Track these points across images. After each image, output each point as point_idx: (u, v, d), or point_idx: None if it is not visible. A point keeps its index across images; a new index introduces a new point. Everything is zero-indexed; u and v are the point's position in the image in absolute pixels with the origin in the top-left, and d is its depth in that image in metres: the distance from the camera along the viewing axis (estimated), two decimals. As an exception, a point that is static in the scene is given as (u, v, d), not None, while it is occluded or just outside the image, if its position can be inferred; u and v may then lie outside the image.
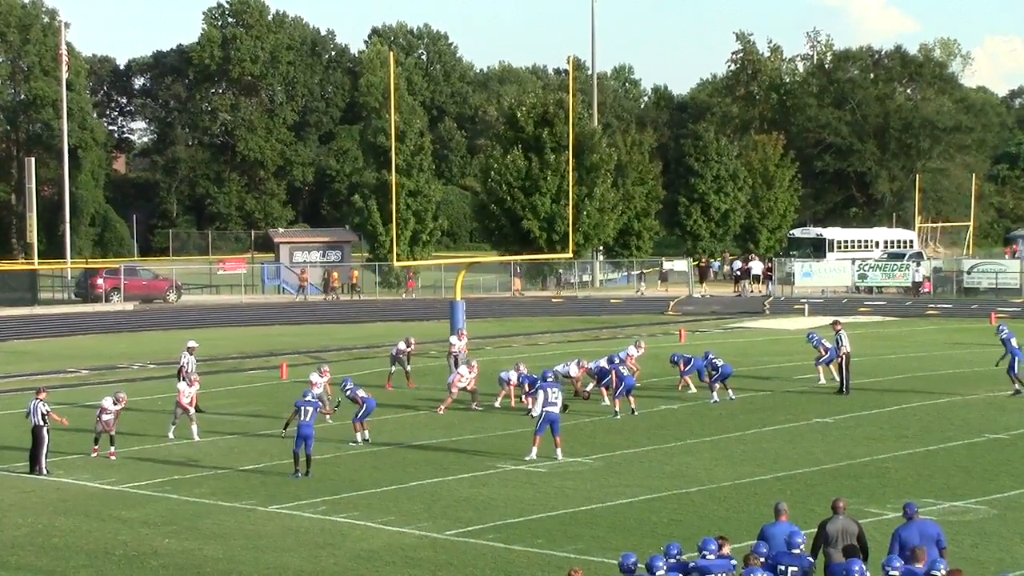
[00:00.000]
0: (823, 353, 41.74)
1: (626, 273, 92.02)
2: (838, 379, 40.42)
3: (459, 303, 48.52)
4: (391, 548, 23.37)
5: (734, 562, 17.99)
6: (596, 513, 25.64)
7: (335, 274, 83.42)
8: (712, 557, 17.86)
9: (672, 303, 73.64)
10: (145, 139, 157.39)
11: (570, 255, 65.34)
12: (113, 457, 31.20)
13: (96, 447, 31.68)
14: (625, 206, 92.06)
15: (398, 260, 69.62)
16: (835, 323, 42.33)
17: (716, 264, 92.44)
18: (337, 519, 25.33)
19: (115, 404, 31.63)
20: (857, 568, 17.50)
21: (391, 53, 67.23)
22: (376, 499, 26.92)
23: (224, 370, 48.06)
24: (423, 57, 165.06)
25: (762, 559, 18.06)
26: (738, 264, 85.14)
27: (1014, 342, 39.60)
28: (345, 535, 24.26)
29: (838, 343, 40.34)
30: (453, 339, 43.14)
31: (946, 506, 25.36)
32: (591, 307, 73.07)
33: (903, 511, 19.51)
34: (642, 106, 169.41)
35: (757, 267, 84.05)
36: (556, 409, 30.61)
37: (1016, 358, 39.24)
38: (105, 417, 31.38)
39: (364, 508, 26.09)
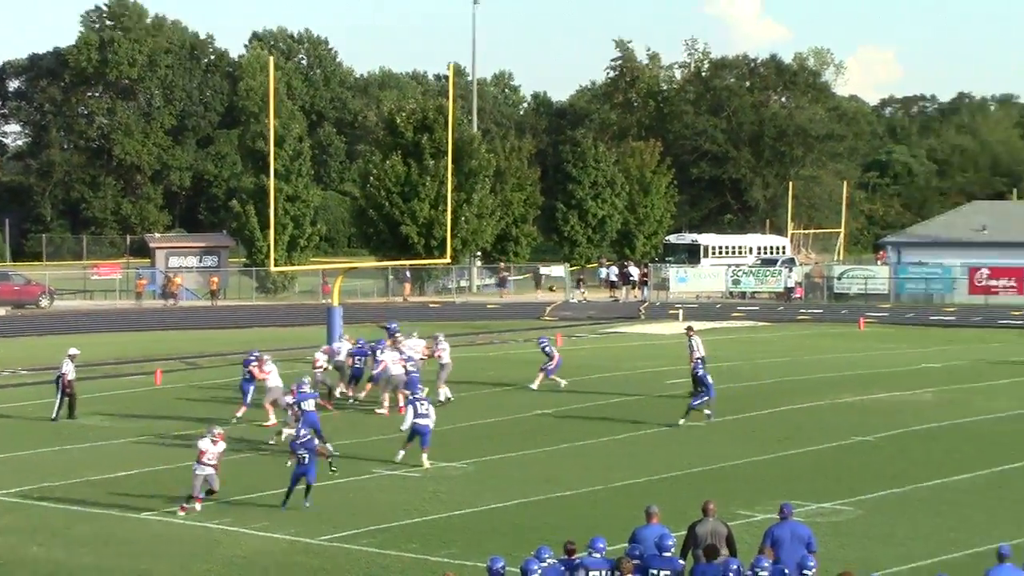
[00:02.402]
0: (549, 359, 42.16)
1: (508, 276, 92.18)
2: (561, 382, 41.51)
3: (336, 309, 48.43)
4: (264, 554, 23.38)
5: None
6: (469, 517, 25.83)
7: (214, 279, 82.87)
8: (598, 556, 18.20)
9: (549, 308, 74.02)
10: (19, 142, 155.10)
11: (448, 260, 65.45)
12: None
13: None
14: (503, 212, 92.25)
15: (276, 265, 69.35)
16: (688, 329, 42.88)
17: (603, 270, 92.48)
18: (210, 525, 25.28)
19: None
20: (735, 567, 17.85)
21: (271, 58, 66.86)
22: (250, 505, 26.88)
23: (99, 376, 47.57)
24: (303, 62, 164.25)
25: (634, 561, 18.34)
26: (615, 269, 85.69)
27: (551, 350, 41.59)
28: (218, 541, 24.22)
29: (690, 349, 40.86)
30: (319, 354, 40.71)
31: (814, 508, 25.83)
32: (468, 312, 73.26)
33: (779, 510, 19.94)
34: (521, 112, 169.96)
35: (634, 272, 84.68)
36: (425, 422, 30.77)
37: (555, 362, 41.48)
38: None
39: (237, 514, 26.04)
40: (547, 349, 42.42)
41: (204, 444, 26.43)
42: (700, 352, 40.49)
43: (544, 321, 68.05)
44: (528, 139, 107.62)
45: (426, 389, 36.65)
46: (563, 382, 41.94)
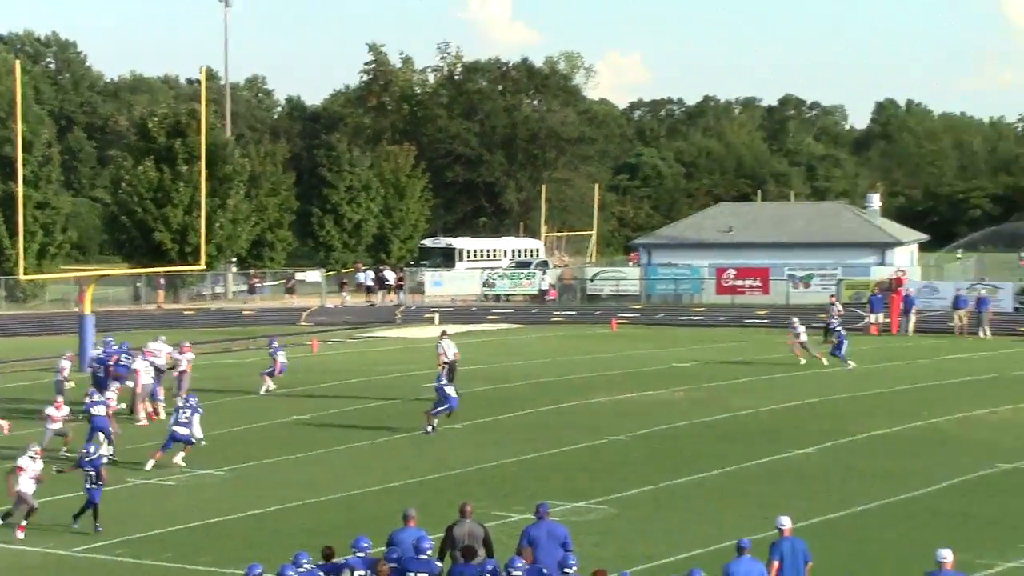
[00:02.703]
0: (275, 365, 42.63)
1: (260, 284, 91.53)
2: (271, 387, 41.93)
3: (89, 317, 47.72)
4: (15, 568, 22.97)
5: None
6: (227, 525, 25.76)
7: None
8: (362, 555, 18.45)
9: (305, 313, 73.78)
10: None
11: (202, 267, 64.75)
12: None
13: None
14: (258, 217, 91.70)
15: (25, 274, 67.78)
16: (443, 333, 43.34)
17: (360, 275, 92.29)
18: (-38, 541, 24.76)
19: None
20: (491, 568, 18.18)
21: (17, 61, 65.36)
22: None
23: None
24: (51, 65, 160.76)
25: (391, 564, 18.57)
26: (370, 274, 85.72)
27: (282, 356, 42.43)
28: (-32, 557, 23.76)
29: (439, 351, 41.29)
30: (64, 362, 39.51)
31: (569, 507, 26.33)
32: (224, 319, 72.61)
33: (535, 510, 20.33)
34: (275, 117, 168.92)
35: (389, 277, 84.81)
36: (184, 430, 30.91)
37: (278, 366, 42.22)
38: None
39: (-9, 529, 25.56)
40: (274, 353, 42.66)
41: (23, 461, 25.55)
42: (448, 357, 40.93)
43: (300, 327, 67.83)
44: (283, 143, 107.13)
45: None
46: (273, 386, 42.33)
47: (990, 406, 38.76)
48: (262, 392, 41.99)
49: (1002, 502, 26.76)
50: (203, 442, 31.92)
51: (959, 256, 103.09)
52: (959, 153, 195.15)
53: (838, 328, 49.57)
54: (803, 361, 48.74)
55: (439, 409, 35.36)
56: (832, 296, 60.68)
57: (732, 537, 19.66)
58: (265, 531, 25.22)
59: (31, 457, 25.68)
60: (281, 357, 42.80)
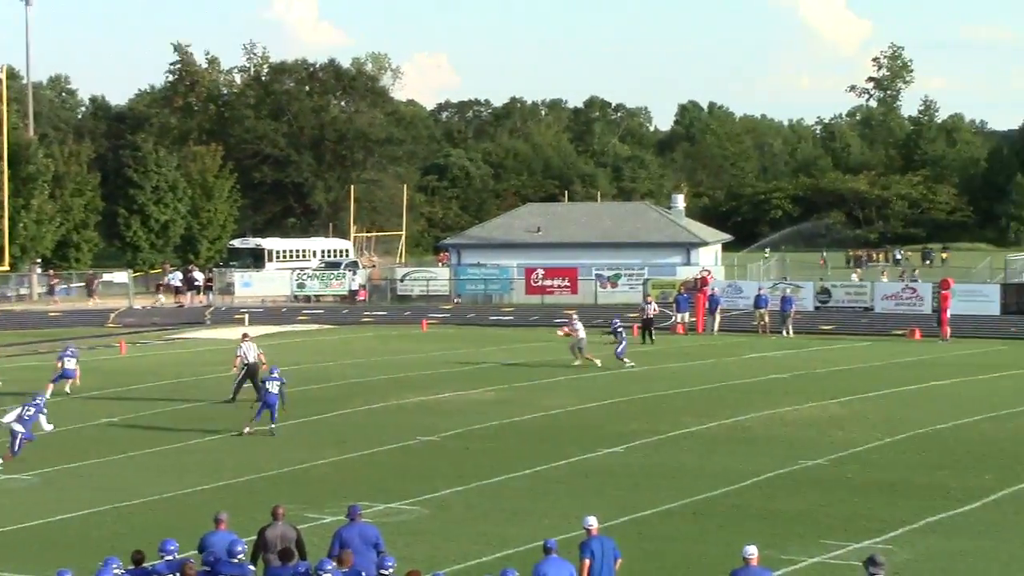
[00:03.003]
0: (58, 368, 42.53)
1: (66, 286, 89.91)
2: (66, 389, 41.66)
3: None
4: None
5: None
6: (34, 530, 25.36)
7: None
8: (170, 558, 18.37)
9: (113, 315, 72.77)
10: None
11: (6, 268, 63.57)
12: None
13: None
14: (64, 217, 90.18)
15: None
16: (244, 336, 43.12)
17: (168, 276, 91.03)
18: None
19: None
20: (303, 570, 18.23)
21: None
22: None
23: None
24: None
25: (205, 567, 18.54)
26: (179, 275, 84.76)
27: (70, 362, 42.26)
28: None
29: (238, 353, 41.14)
30: None
31: (381, 508, 26.41)
32: (29, 321, 71.30)
33: (347, 512, 20.42)
34: (79, 116, 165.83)
35: (198, 277, 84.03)
36: (21, 427, 31.19)
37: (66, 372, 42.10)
38: None
39: None
40: (63, 357, 42.31)
41: None
42: (249, 359, 40.75)
43: (108, 328, 66.89)
44: (87, 144, 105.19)
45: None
46: (67, 390, 42.07)
47: (793, 404, 39.68)
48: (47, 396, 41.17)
49: (805, 498, 27.46)
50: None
51: (766, 256, 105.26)
52: (760, 155, 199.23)
53: (620, 328, 49.93)
54: (577, 363, 48.95)
55: (261, 410, 35.33)
56: (648, 296, 61.37)
57: (544, 537, 19.94)
58: (74, 536, 24.93)
59: None
60: (69, 363, 42.24)
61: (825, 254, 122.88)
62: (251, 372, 40.39)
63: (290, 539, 19.79)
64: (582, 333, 49.30)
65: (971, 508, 26.42)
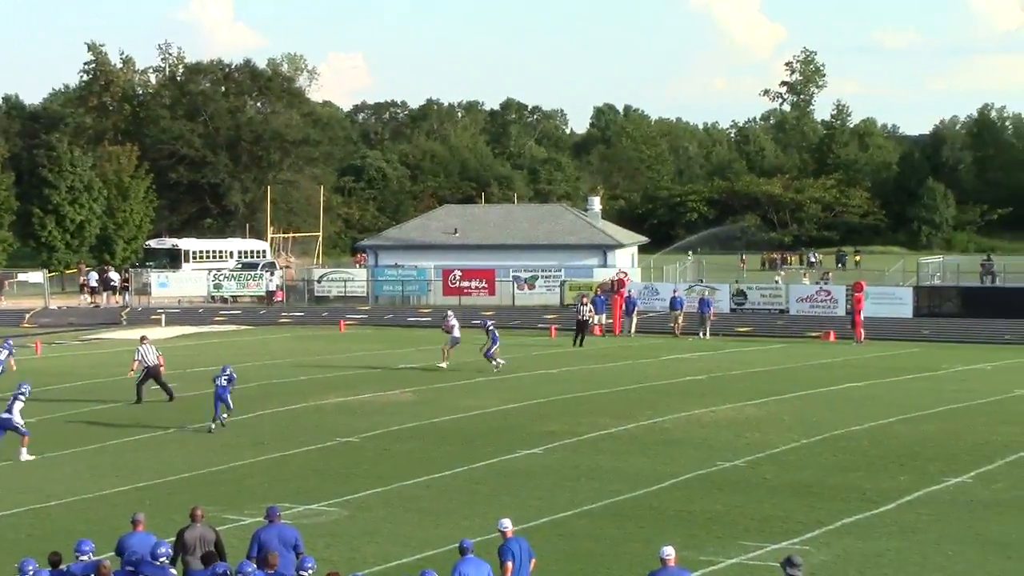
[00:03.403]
0: None
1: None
2: None
3: None
4: None
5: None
6: (-48, 534, 25.19)
7: None
8: (86, 559, 18.30)
9: (28, 315, 72.17)
10: None
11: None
12: None
13: None
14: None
15: None
16: (142, 338, 42.97)
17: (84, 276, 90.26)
18: None
19: None
20: (221, 571, 18.18)
21: None
22: None
23: None
24: None
25: (130, 568, 18.46)
26: (95, 275, 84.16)
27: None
28: None
29: (137, 356, 41.11)
30: None
31: (301, 509, 26.40)
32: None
33: (266, 514, 20.39)
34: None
35: (114, 278, 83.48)
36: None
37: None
38: None
39: None
40: None
41: None
42: (149, 362, 40.69)
43: (24, 328, 66.34)
44: (1, 143, 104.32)
45: None
46: None
47: (709, 405, 39.95)
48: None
49: (723, 499, 27.66)
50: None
51: (691, 257, 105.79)
52: (676, 158, 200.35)
53: (492, 328, 49.14)
54: (443, 365, 48.81)
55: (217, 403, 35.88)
56: (584, 297, 61.42)
57: (463, 538, 20.00)
58: (-10, 539, 24.74)
59: None
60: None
61: (745, 256, 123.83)
62: (152, 374, 40.61)
63: (209, 540, 19.75)
64: (457, 332, 49.29)
65: (886, 509, 26.71)
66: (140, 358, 40.95)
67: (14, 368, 44.24)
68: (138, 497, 27.58)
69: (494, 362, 48.24)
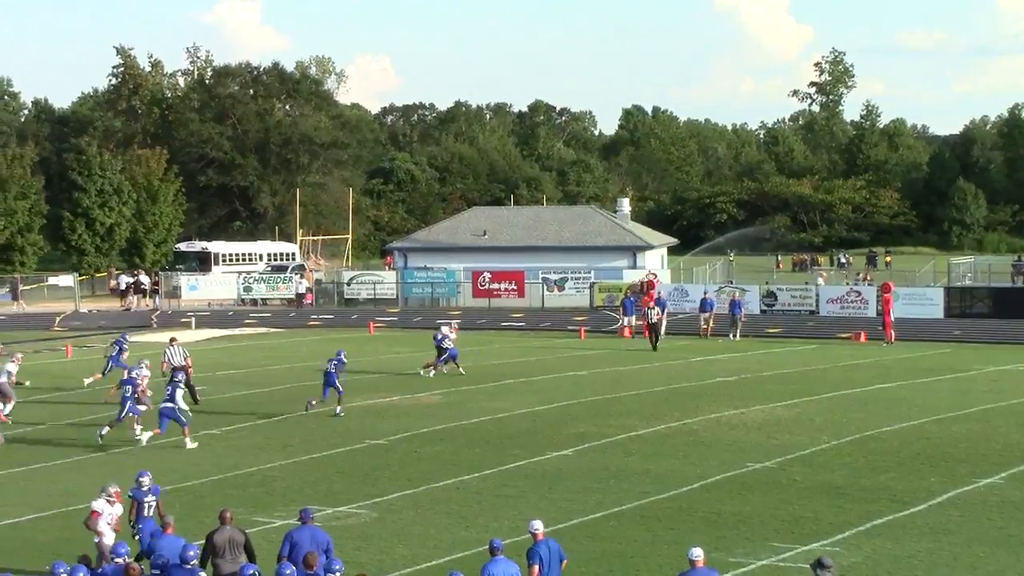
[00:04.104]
0: None
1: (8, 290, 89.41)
2: None
3: None
4: None
5: None
6: (-17, 536, 25.27)
7: None
8: (121, 561, 18.36)
9: (58, 318, 72.41)
10: None
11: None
12: None
13: None
14: (7, 221, 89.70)
15: None
16: (171, 340, 43.18)
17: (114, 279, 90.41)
18: None
19: None
20: (250, 572, 18.18)
21: None
22: None
23: None
24: None
25: (156, 572, 18.48)
26: (125, 278, 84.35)
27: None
28: None
29: (162, 359, 41.69)
30: None
31: (330, 512, 26.40)
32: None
33: (299, 515, 20.42)
34: (22, 119, 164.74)
35: (145, 281, 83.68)
36: None
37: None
38: None
39: None
40: None
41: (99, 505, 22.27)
42: (176, 363, 40.85)
43: (54, 332, 66.50)
44: (30, 147, 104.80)
45: None
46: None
47: (739, 407, 39.85)
48: None
49: (752, 500, 27.58)
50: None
51: (732, 257, 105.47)
52: (704, 159, 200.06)
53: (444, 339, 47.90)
54: (430, 374, 47.73)
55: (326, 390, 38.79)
56: (643, 297, 60.76)
57: (491, 538, 19.97)
58: (19, 541, 24.78)
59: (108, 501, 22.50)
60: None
61: (780, 257, 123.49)
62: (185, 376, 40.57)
63: (239, 543, 19.80)
64: (448, 344, 47.82)
65: (916, 510, 26.60)
66: (167, 359, 41.18)
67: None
68: (166, 499, 27.56)
69: (444, 369, 47.58)
